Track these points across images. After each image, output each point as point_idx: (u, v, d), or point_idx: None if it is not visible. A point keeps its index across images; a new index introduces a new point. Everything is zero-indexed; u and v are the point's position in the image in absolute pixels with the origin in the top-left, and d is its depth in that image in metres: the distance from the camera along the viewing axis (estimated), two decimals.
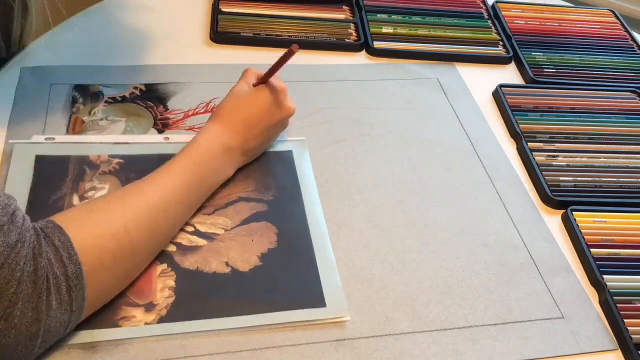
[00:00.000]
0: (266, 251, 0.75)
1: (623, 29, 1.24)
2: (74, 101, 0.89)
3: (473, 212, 0.84)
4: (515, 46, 1.14)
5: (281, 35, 1.07)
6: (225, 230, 0.77)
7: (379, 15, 1.15)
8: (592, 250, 0.81)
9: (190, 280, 0.71)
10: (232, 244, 0.75)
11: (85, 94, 0.91)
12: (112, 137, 0.85)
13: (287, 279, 0.73)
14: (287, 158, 0.87)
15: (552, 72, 1.11)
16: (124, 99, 0.91)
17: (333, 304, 0.71)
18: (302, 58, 1.04)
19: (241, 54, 1.04)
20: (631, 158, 0.95)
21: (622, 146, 0.97)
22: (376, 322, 0.71)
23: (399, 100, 1.00)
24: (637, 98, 1.07)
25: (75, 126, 0.86)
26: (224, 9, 1.11)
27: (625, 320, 0.74)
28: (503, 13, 1.22)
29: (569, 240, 0.83)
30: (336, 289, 0.72)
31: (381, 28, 1.12)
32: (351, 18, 1.14)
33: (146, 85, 0.94)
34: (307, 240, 0.77)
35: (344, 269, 0.75)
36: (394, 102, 0.99)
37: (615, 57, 1.16)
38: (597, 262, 0.80)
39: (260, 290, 0.71)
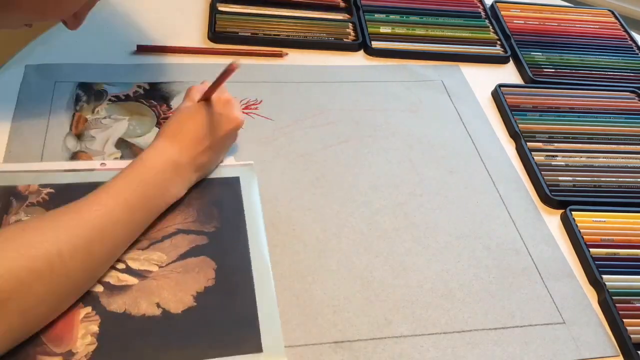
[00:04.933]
0: (202, 290, 0.70)
1: (622, 29, 1.25)
2: (77, 99, 0.89)
3: (475, 215, 0.84)
4: (514, 46, 1.14)
5: (279, 35, 1.06)
6: (160, 267, 0.71)
7: (376, 15, 1.15)
8: (591, 250, 0.81)
9: (116, 325, 0.65)
10: (165, 282, 0.70)
11: (89, 92, 0.90)
12: (43, 165, 0.79)
13: (222, 321, 0.67)
14: (233, 185, 0.81)
15: (552, 72, 1.11)
16: (127, 98, 0.91)
17: (270, 348, 0.66)
18: (301, 58, 1.05)
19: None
20: (630, 158, 0.96)
21: (621, 146, 0.98)
22: (376, 324, 0.71)
23: (403, 102, 1.00)
24: (637, 98, 1.07)
25: (78, 124, 0.85)
26: (222, 8, 1.10)
27: (625, 320, 0.74)
28: (502, 13, 1.22)
29: (568, 240, 0.84)
30: (274, 331, 0.67)
31: (379, 28, 1.12)
32: (348, 18, 1.14)
33: (150, 84, 0.93)
34: (248, 276, 0.72)
35: (345, 271, 0.75)
36: (398, 104, 0.99)
37: (614, 57, 1.17)
38: (596, 262, 0.80)
39: (192, 334, 0.66)
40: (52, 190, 0.76)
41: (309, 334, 0.69)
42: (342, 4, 1.16)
